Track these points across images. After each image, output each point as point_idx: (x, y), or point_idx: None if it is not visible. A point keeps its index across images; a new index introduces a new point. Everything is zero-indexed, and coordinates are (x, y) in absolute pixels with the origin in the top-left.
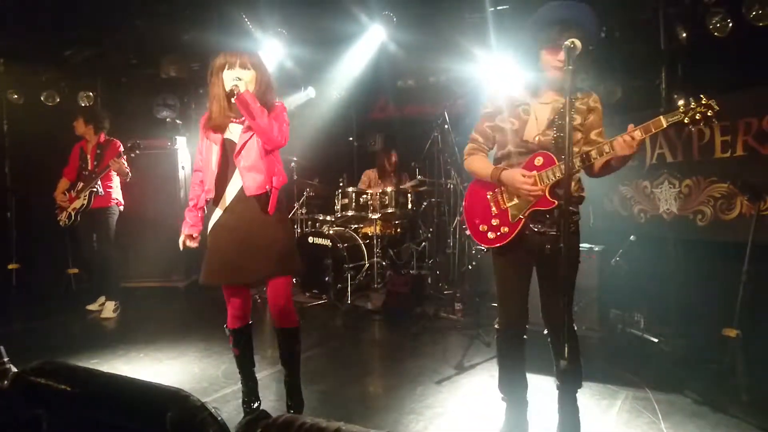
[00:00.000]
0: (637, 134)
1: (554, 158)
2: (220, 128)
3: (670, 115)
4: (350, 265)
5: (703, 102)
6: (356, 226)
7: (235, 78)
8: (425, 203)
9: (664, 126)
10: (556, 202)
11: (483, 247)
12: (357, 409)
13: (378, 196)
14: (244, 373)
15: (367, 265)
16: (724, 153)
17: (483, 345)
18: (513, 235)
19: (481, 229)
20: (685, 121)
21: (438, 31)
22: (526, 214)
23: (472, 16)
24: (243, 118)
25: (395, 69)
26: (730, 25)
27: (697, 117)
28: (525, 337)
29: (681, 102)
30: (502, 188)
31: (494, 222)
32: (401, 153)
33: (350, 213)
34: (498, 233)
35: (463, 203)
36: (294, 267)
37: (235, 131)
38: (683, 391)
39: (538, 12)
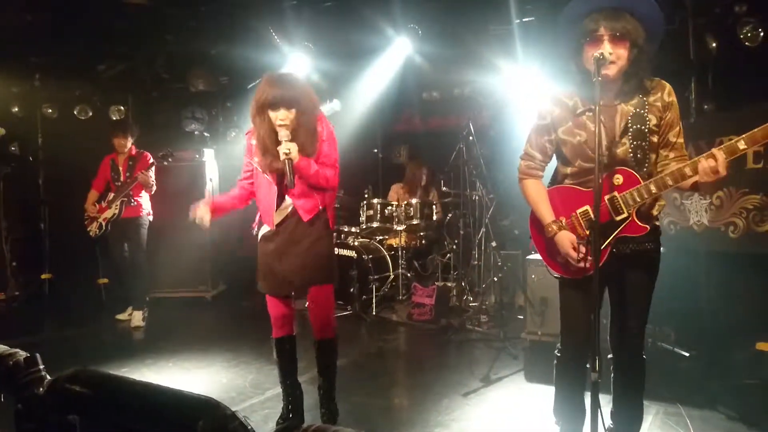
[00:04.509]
0: (720, 156)
1: (637, 177)
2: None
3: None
4: (375, 277)
5: None
6: (381, 237)
7: (280, 121)
8: (450, 215)
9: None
10: (648, 227)
11: (556, 275)
12: (382, 422)
13: (403, 208)
14: (285, 385)
15: (392, 276)
16: (757, 164)
17: (510, 357)
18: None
19: (559, 260)
20: None
21: (463, 44)
22: (612, 241)
23: (498, 28)
24: None
25: (420, 81)
26: (761, 34)
27: None
28: (588, 366)
29: None
30: (578, 214)
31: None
32: (427, 165)
33: (375, 224)
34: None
35: (530, 229)
36: (335, 277)
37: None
38: (717, 406)
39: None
